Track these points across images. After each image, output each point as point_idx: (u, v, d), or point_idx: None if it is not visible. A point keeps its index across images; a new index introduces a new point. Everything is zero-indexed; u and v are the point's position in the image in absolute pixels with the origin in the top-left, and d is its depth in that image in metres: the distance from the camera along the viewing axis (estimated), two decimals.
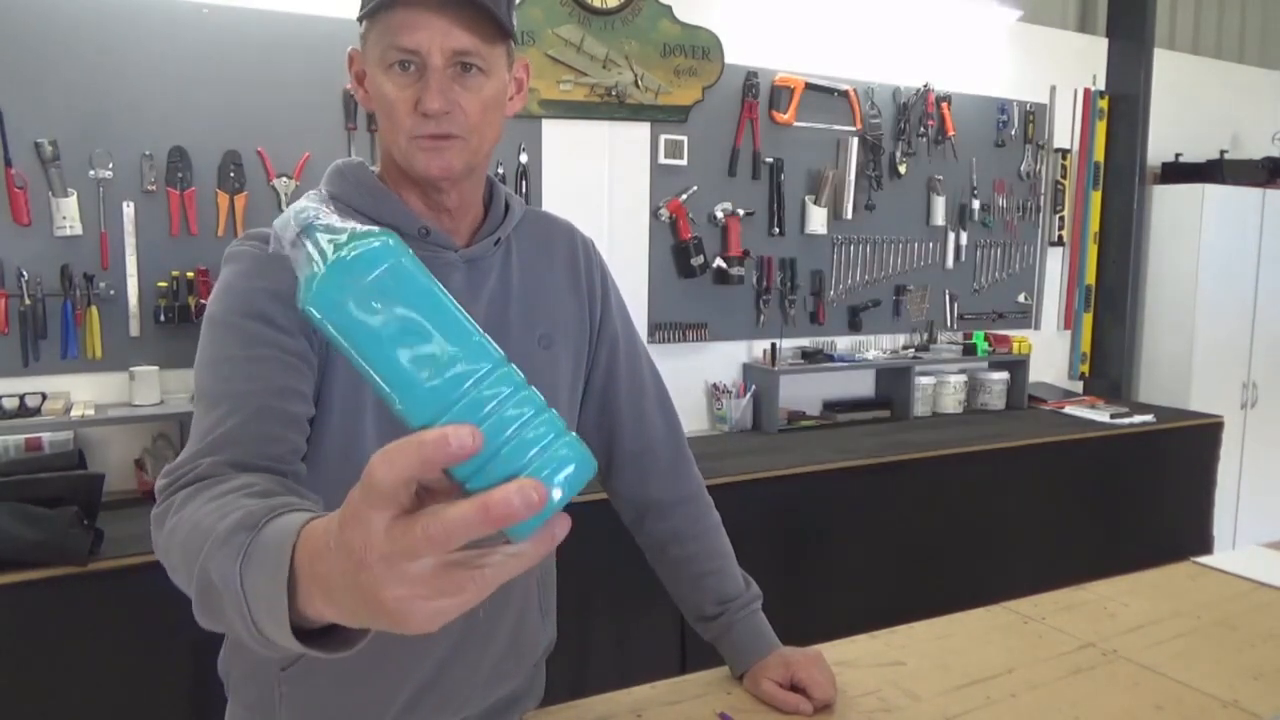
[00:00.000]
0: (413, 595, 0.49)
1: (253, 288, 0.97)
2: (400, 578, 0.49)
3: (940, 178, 3.89)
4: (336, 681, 1.08)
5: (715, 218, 3.42)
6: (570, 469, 0.50)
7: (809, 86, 3.55)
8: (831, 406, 3.74)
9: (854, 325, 3.78)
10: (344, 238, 0.50)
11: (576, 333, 1.20)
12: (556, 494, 0.49)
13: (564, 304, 1.19)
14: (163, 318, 2.59)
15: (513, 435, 0.49)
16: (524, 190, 3.06)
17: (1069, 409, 3.95)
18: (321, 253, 0.50)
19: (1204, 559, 1.80)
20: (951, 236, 3.98)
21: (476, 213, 1.12)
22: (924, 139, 3.83)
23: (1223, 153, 4.45)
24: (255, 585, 0.61)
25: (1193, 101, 4.63)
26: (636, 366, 1.27)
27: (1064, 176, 4.28)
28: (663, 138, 3.31)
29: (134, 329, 2.59)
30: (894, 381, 3.83)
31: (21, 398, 2.41)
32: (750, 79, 3.44)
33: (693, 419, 3.50)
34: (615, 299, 1.26)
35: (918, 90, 3.79)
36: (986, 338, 4.00)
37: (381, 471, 0.48)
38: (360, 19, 0.99)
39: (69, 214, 2.48)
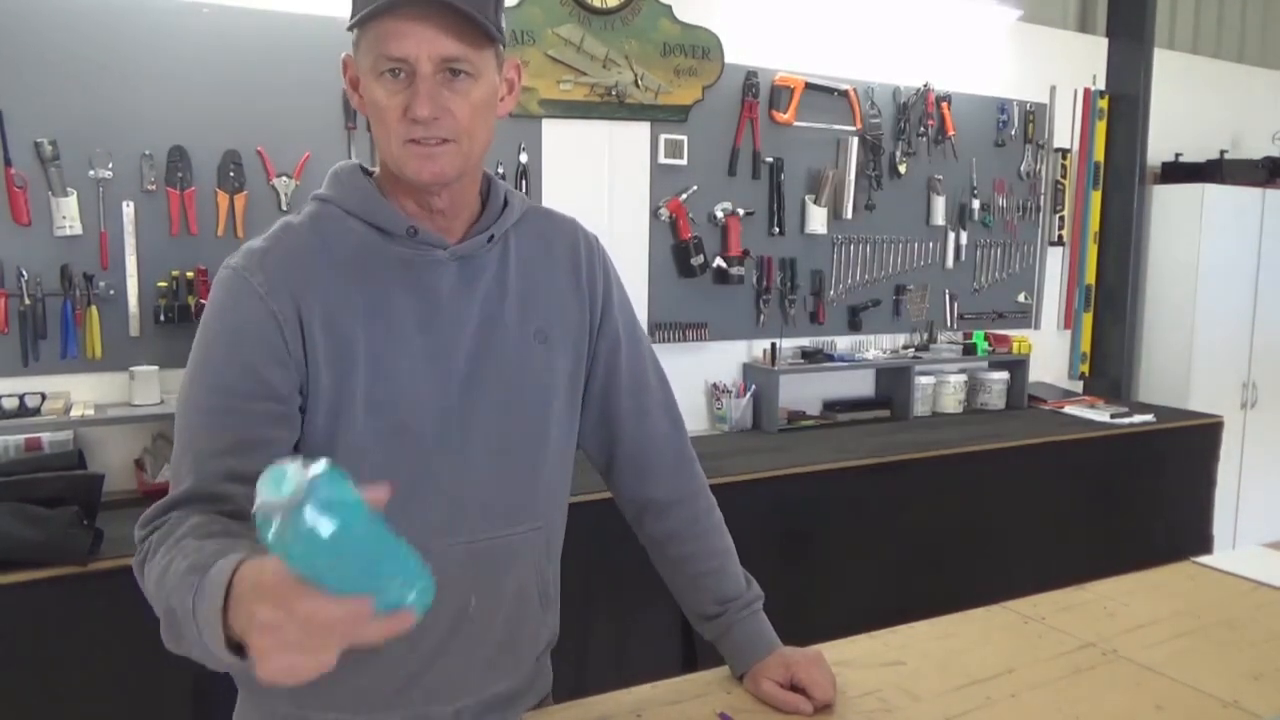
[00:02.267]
0: (281, 652, 0.69)
1: (226, 326, 1.04)
2: (278, 642, 0.68)
3: (940, 178, 3.89)
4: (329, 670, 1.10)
5: (715, 217, 3.42)
6: (417, 593, 0.73)
7: (809, 86, 3.55)
8: (831, 406, 3.74)
9: (854, 325, 3.78)
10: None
11: (576, 329, 1.20)
12: (415, 613, 0.72)
13: (563, 300, 1.19)
14: (163, 318, 2.59)
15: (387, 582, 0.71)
16: (524, 190, 3.07)
17: (1069, 409, 3.95)
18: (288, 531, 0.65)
19: (1204, 559, 1.80)
20: (951, 236, 3.98)
21: (472, 210, 1.14)
22: (924, 139, 3.83)
23: (1223, 153, 4.45)
24: (203, 613, 0.78)
25: (1193, 101, 4.63)
26: (640, 365, 1.27)
27: (1064, 176, 4.28)
28: (663, 137, 3.31)
29: (134, 329, 2.59)
30: (894, 381, 3.83)
31: (21, 398, 2.41)
32: (750, 79, 3.44)
33: (693, 419, 3.49)
34: (618, 297, 1.26)
35: (918, 90, 3.79)
36: (986, 337, 4.00)
37: (305, 610, 0.67)
38: (350, 28, 1.01)
39: (69, 214, 2.48)
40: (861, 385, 3.89)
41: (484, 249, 1.13)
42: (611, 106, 3.20)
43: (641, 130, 3.29)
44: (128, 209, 2.56)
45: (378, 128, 1.03)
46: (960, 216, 3.99)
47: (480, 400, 1.11)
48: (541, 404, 1.17)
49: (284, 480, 0.66)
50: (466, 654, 1.15)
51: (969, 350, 3.92)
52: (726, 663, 1.28)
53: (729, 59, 3.36)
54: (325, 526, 0.65)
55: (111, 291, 2.54)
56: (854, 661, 1.33)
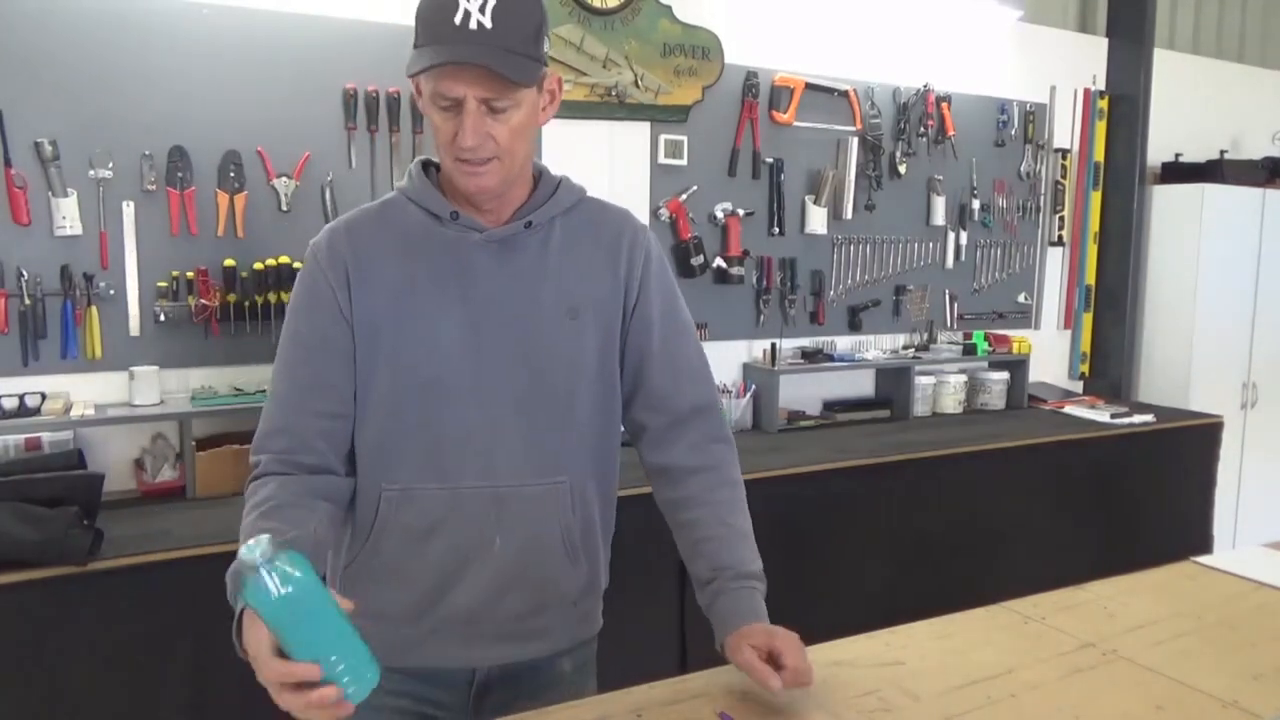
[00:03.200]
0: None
1: (301, 294, 1.27)
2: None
3: (940, 178, 3.89)
4: (374, 580, 1.29)
5: (715, 217, 3.42)
6: (357, 685, 0.94)
7: (809, 86, 3.55)
8: (831, 406, 3.74)
9: (854, 325, 3.78)
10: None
11: (609, 307, 1.32)
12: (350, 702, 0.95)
13: (598, 281, 1.32)
14: (162, 317, 2.59)
15: (334, 663, 0.94)
16: None
17: (1069, 409, 3.95)
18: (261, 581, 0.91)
19: (1204, 559, 1.80)
20: (951, 236, 3.98)
21: (521, 200, 1.30)
22: (924, 139, 3.83)
23: (1223, 153, 4.45)
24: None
25: (1193, 101, 4.63)
26: (679, 346, 1.37)
27: (1064, 176, 4.28)
28: (663, 138, 3.31)
29: (134, 329, 2.59)
30: (894, 381, 3.83)
31: (21, 397, 2.41)
32: (750, 79, 3.44)
33: None
34: (658, 285, 1.37)
35: (918, 90, 3.79)
36: (986, 338, 4.00)
37: (267, 674, 0.94)
38: (410, 76, 1.18)
39: (69, 214, 2.48)
40: (861, 385, 3.89)
41: (522, 234, 1.28)
42: (611, 106, 3.20)
43: (641, 130, 3.30)
44: (128, 209, 2.56)
45: (436, 144, 1.22)
46: (960, 217, 3.99)
47: (510, 365, 1.26)
48: (568, 373, 1.30)
49: (257, 547, 0.89)
50: (484, 585, 1.28)
51: (969, 350, 3.92)
52: (714, 632, 1.27)
53: (729, 59, 3.36)
54: (275, 588, 0.89)
55: (111, 291, 2.54)
56: (854, 661, 1.33)
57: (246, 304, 2.65)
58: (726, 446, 1.38)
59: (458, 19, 1.12)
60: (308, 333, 1.26)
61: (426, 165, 1.32)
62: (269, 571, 0.89)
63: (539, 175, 1.33)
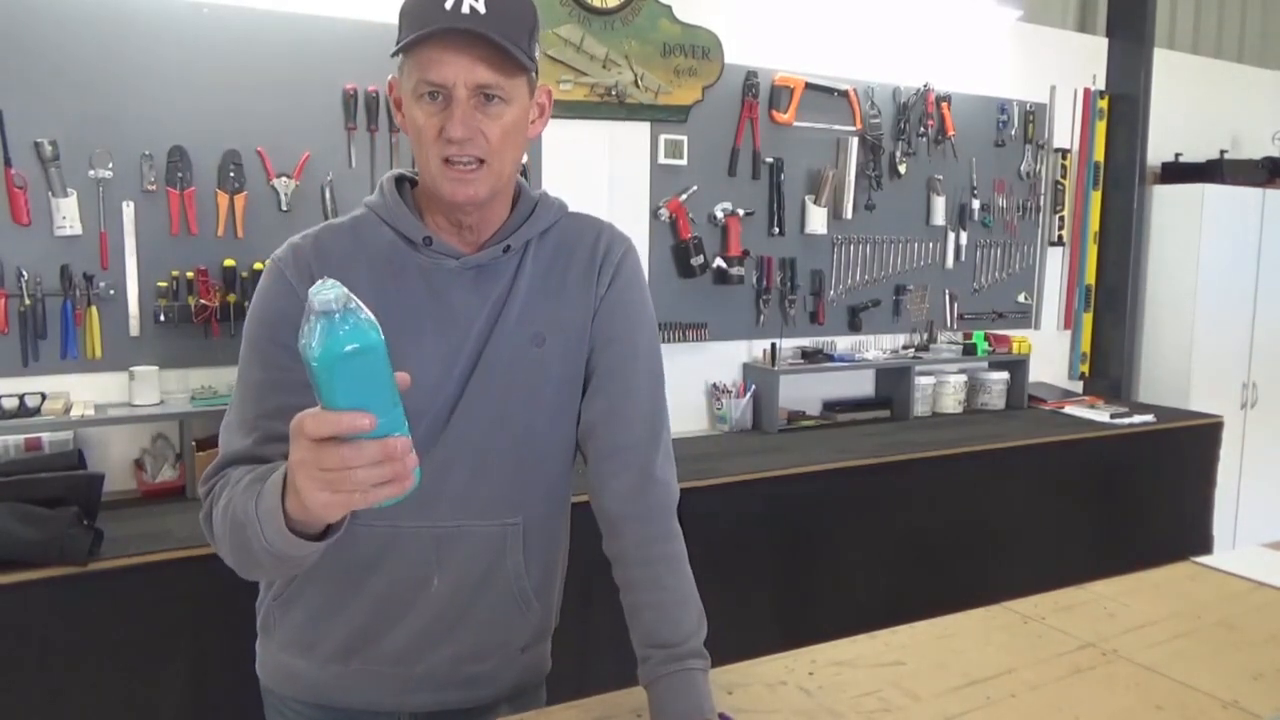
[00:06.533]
0: (312, 486, 0.82)
1: (266, 305, 1.17)
2: (307, 475, 0.82)
3: (940, 178, 3.89)
4: (305, 612, 1.24)
5: (715, 217, 3.42)
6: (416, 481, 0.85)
7: (809, 86, 3.55)
8: (831, 406, 3.74)
9: (854, 325, 3.78)
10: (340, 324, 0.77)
11: (575, 331, 1.23)
12: (410, 483, 0.84)
13: (568, 304, 1.23)
14: (162, 317, 2.59)
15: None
16: None
17: (1069, 409, 3.95)
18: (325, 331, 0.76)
19: (1204, 559, 1.80)
20: (951, 236, 3.98)
21: (500, 221, 1.22)
22: (924, 139, 3.83)
23: (1223, 153, 4.45)
24: (264, 508, 0.93)
25: (1193, 101, 4.63)
26: (628, 370, 1.25)
27: (1064, 176, 4.28)
28: (663, 137, 3.31)
29: (134, 329, 2.59)
30: (894, 381, 3.83)
31: (21, 398, 2.41)
32: (750, 79, 3.44)
33: (693, 419, 3.50)
34: (621, 300, 1.25)
35: (918, 90, 3.79)
36: (986, 338, 4.00)
37: (311, 426, 0.80)
38: (394, 55, 1.10)
39: (69, 214, 2.48)
40: (861, 385, 3.89)
41: (499, 258, 1.19)
42: (611, 106, 3.20)
43: (641, 130, 3.29)
44: (128, 209, 2.56)
45: (416, 146, 1.12)
46: (960, 216, 3.99)
47: (472, 400, 1.18)
48: (528, 406, 1.21)
49: (333, 289, 0.75)
50: (420, 628, 1.22)
51: (969, 350, 3.92)
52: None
53: (729, 59, 3.36)
54: (351, 338, 0.76)
55: (111, 291, 2.54)
56: (854, 661, 1.34)
57: (246, 304, 2.64)
58: (664, 490, 1.23)
59: (448, 3, 1.04)
60: (279, 354, 1.13)
61: (400, 181, 1.23)
62: (350, 320, 0.75)
63: (517, 193, 1.24)
